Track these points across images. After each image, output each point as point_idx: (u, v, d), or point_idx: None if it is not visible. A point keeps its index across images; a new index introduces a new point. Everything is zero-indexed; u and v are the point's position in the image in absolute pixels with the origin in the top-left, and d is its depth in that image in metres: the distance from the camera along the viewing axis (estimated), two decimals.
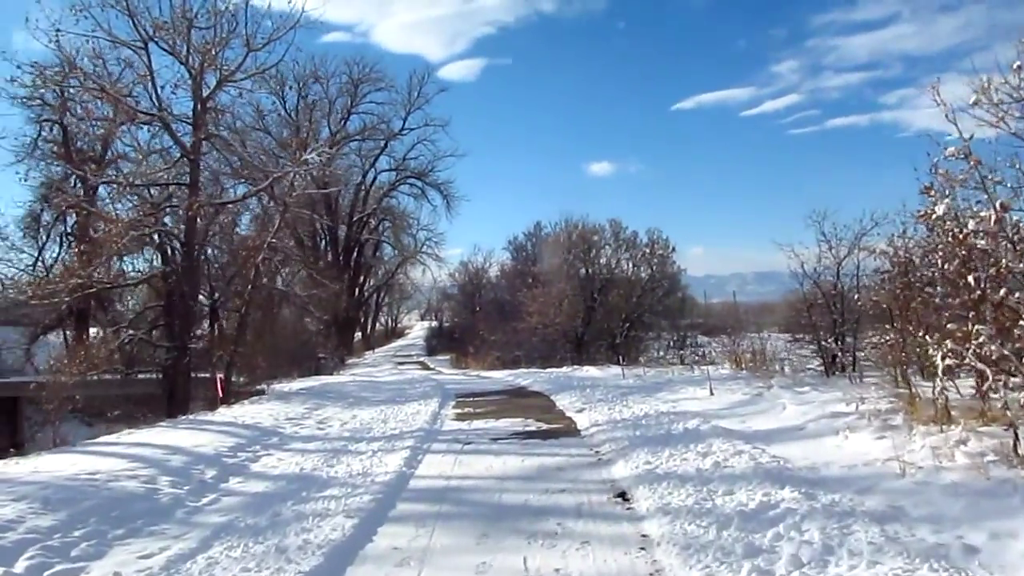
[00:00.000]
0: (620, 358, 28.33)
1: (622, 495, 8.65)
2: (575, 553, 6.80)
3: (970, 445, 8.12)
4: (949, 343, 9.22)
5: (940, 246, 10.52)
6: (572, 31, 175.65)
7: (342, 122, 59.12)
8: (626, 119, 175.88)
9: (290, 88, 55.49)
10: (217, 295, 27.49)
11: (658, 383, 19.40)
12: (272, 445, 13.69)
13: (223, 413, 18.32)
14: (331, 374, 40.74)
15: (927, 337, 9.77)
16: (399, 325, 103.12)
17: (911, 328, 13.57)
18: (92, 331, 34.05)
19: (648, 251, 40.04)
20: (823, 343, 17.74)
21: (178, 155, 25.39)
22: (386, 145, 60.49)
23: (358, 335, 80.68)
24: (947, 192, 10.25)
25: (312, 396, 22.07)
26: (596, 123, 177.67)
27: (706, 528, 6.85)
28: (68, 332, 36.55)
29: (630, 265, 40.46)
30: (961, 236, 9.62)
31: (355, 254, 62.40)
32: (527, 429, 14.14)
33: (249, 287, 24.86)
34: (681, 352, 38.35)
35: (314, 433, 15.11)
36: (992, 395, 8.88)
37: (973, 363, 8.53)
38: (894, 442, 8.91)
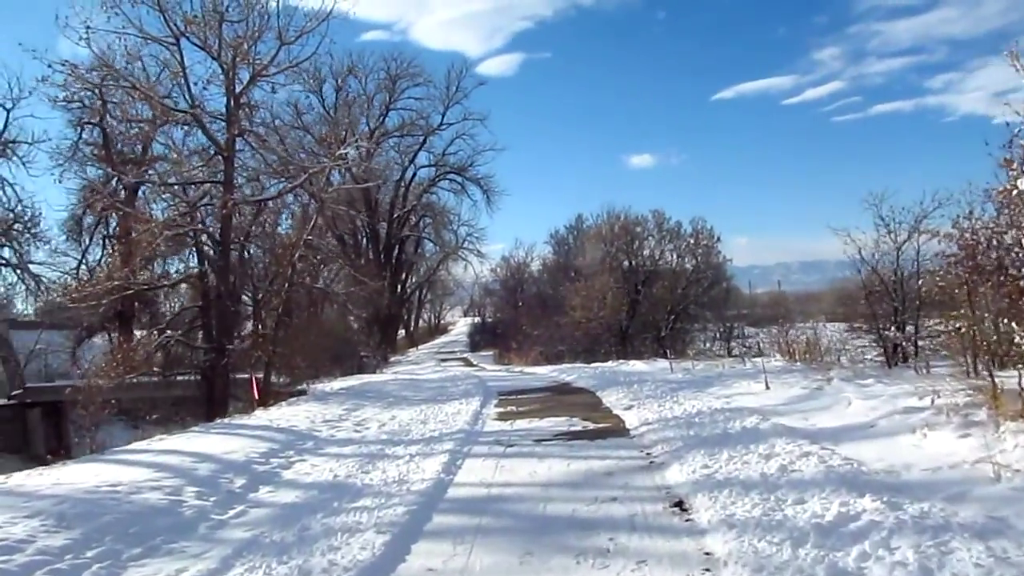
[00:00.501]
0: (667, 351, 27.43)
1: (679, 504, 7.79)
2: (630, 575, 6.00)
3: None
4: None
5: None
6: (610, 23, 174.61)
7: (380, 118, 58.68)
8: (666, 110, 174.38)
9: (328, 85, 55.18)
10: (259, 295, 27.07)
11: (708, 377, 18.49)
12: (306, 450, 13.03)
13: (259, 416, 17.71)
14: (373, 372, 40.24)
15: (1014, 324, 8.80)
16: (442, 321, 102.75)
17: (983, 314, 12.62)
18: (137, 334, 33.88)
19: (692, 241, 39.04)
20: (883, 332, 16.69)
21: (212, 153, 24.94)
22: (425, 140, 60.04)
23: (401, 332, 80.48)
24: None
25: (351, 396, 21.45)
26: (636, 115, 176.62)
27: (779, 545, 5.99)
28: (112, 335, 36.37)
29: (674, 256, 39.52)
30: None
31: (396, 251, 61.81)
32: (572, 429, 13.31)
33: (286, 286, 24.23)
34: (728, 344, 37.38)
35: (351, 436, 14.44)
36: None
37: None
38: (981, 441, 7.99)
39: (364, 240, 58.79)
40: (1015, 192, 9.16)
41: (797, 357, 19.65)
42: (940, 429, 8.78)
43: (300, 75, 25.73)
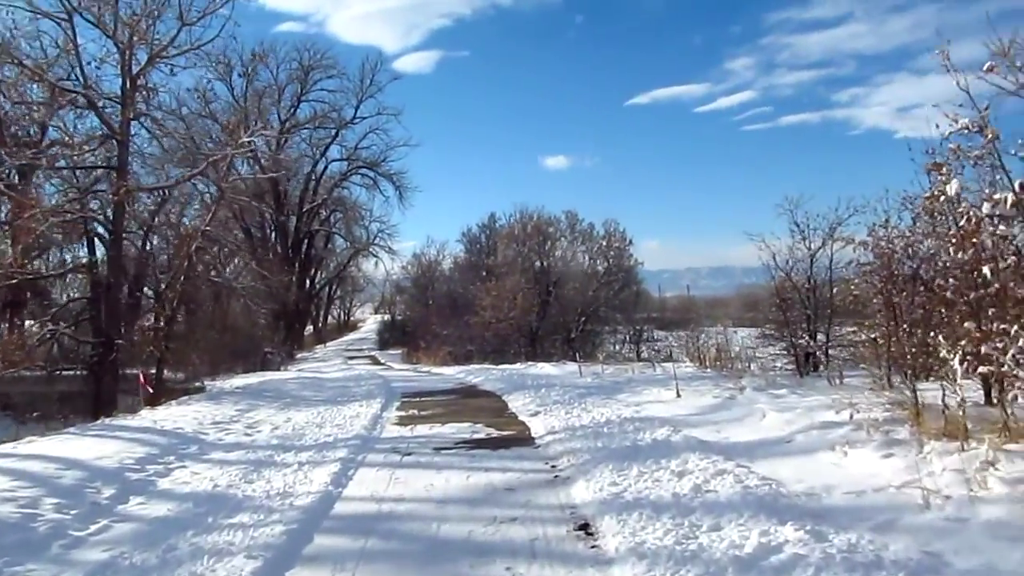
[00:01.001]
0: (576, 354, 26.88)
1: (584, 527, 7.06)
2: None
3: (1003, 468, 6.67)
4: (966, 343, 7.83)
5: (949, 232, 9.14)
6: (529, 24, 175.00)
7: (292, 110, 57.02)
8: (582, 113, 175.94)
9: (238, 74, 53.36)
10: (150, 287, 25.72)
11: (618, 383, 17.93)
12: (189, 455, 11.98)
13: (144, 416, 16.47)
14: (277, 370, 38.91)
15: (940, 336, 8.32)
16: (352, 318, 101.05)
17: (900, 326, 12.26)
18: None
19: (605, 244, 38.77)
20: (795, 340, 16.32)
21: (106, 136, 23.47)
22: (337, 134, 58.44)
23: (310, 329, 78.73)
24: (958, 170, 8.82)
25: (248, 395, 20.34)
26: (552, 117, 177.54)
27: None
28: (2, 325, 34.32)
29: (586, 258, 39.20)
30: (973, 222, 8.22)
31: (305, 246, 60.15)
32: (475, 437, 12.52)
33: (182, 278, 22.92)
34: (638, 347, 37.17)
35: (240, 440, 13.39)
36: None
37: (1011, 368, 7.09)
38: (906, 462, 7.45)
39: (272, 233, 57.07)
40: (943, 198, 8.67)
41: (708, 363, 19.25)
42: (861, 447, 8.26)
43: (204, 58, 24.30)
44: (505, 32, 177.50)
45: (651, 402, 13.98)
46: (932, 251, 11.14)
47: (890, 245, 13.06)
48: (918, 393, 9.35)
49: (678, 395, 14.07)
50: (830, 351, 16.48)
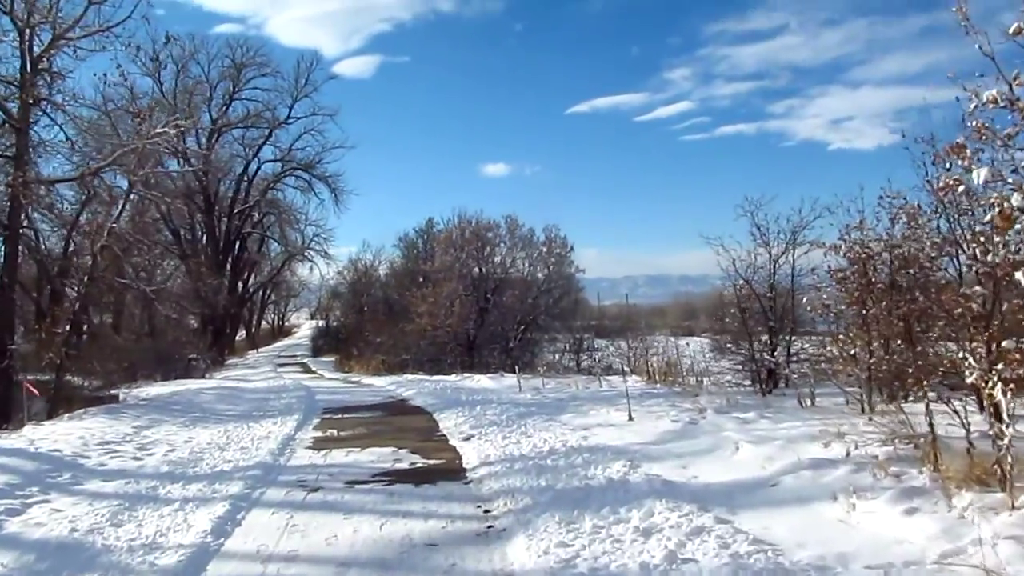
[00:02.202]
0: (515, 365, 25.02)
1: None
2: None
3: None
4: (1005, 367, 6.16)
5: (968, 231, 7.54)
6: (470, 31, 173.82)
7: (224, 108, 53.96)
8: (522, 121, 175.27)
9: (166, 70, 50.67)
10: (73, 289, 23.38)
11: (561, 400, 16.13)
12: (57, 485, 9.92)
13: (24, 434, 14.25)
14: (202, 377, 36.47)
15: (968, 353, 6.62)
16: (287, 324, 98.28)
17: (881, 338, 10.69)
18: None
19: (545, 250, 36.92)
20: (757, 354, 14.61)
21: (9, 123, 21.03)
22: (270, 134, 55.47)
23: (243, 334, 75.88)
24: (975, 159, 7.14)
25: (154, 408, 18.16)
26: (492, 124, 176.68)
27: None
28: None
29: (526, 264, 37.30)
30: (1004, 216, 6.54)
31: (237, 249, 57.43)
32: (397, 467, 10.57)
33: (85, 279, 20.59)
34: (578, 357, 35.43)
35: (124, 466, 11.31)
36: None
37: None
38: (937, 521, 5.75)
39: (203, 236, 54.35)
40: (960, 188, 7.01)
41: (657, 378, 17.57)
42: (871, 497, 6.52)
43: (114, 42, 21.81)
44: (446, 38, 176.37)
45: (600, 425, 12.16)
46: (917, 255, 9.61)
47: (866, 249, 11.58)
48: (910, 417, 7.71)
49: (630, 418, 12.27)
50: (790, 365, 14.84)
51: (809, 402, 11.99)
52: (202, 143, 52.61)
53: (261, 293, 75.48)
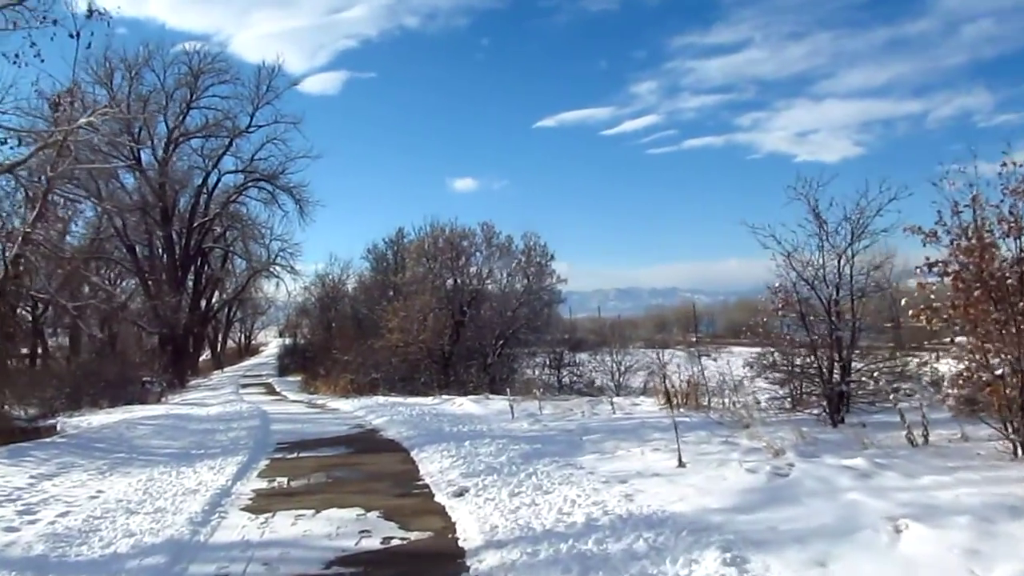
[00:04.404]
0: (504, 387, 21.61)
1: None
2: None
3: None
4: None
5: None
6: (436, 47, 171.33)
7: (181, 117, 49.49)
8: (489, 136, 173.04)
9: (121, 77, 46.76)
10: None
11: (569, 431, 12.73)
12: None
13: None
14: (158, 401, 32.74)
15: None
16: (254, 342, 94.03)
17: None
18: None
19: (524, 259, 33.44)
20: (826, 376, 11.18)
21: None
22: (231, 143, 51.02)
23: (208, 354, 71.75)
24: None
25: (73, 447, 14.54)
26: (460, 139, 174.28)
27: None
28: None
29: (504, 275, 33.81)
30: None
31: (198, 264, 53.30)
32: (363, 547, 7.08)
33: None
34: (559, 372, 32.09)
35: None
36: None
37: None
38: None
39: (161, 251, 50.27)
40: None
41: (679, 400, 14.20)
42: None
43: (30, 20, 18.22)
44: (412, 54, 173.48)
45: (641, 475, 8.70)
46: None
47: (979, 239, 8.46)
48: None
49: (681, 463, 8.83)
50: (850, 384, 11.52)
51: (922, 438, 8.67)
52: (159, 154, 48.80)
53: (226, 311, 71.45)
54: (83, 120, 17.63)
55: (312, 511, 8.56)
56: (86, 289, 38.31)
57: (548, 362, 33.36)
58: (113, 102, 41.02)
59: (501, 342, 32.16)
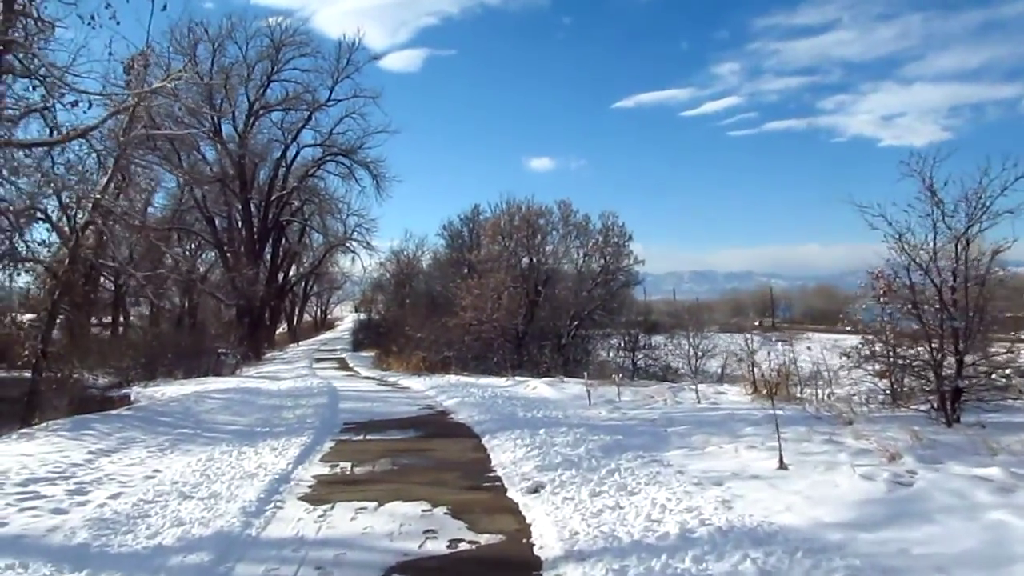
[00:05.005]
0: (578, 369, 20.73)
1: None
2: None
3: None
4: None
5: None
6: (517, 24, 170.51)
7: (262, 90, 49.21)
8: (567, 115, 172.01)
9: (203, 48, 46.70)
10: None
11: (652, 421, 11.85)
12: None
13: None
14: (232, 373, 32.68)
15: None
16: (329, 317, 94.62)
17: None
18: None
19: (602, 239, 32.35)
20: (939, 369, 10.06)
21: None
22: (310, 116, 50.54)
23: (284, 327, 72.21)
24: None
25: (137, 420, 14.19)
26: (538, 118, 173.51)
27: None
28: None
29: (581, 254, 32.78)
30: None
31: (275, 238, 53.25)
32: (428, 551, 6.35)
33: (67, 262, 16.59)
34: (634, 355, 31.02)
35: (30, 526, 7.36)
36: None
37: None
38: None
39: (240, 224, 50.28)
40: None
41: (768, 391, 13.16)
42: None
43: None
44: (492, 32, 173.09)
45: (737, 476, 7.77)
46: None
47: None
48: None
49: (782, 465, 7.89)
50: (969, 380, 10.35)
51: None
52: (239, 126, 48.79)
53: (303, 285, 71.65)
54: (156, 84, 17.17)
55: (375, 504, 7.84)
56: (168, 260, 38.58)
57: (623, 344, 32.32)
58: (189, 66, 41.19)
59: (575, 323, 31.24)
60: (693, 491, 7.26)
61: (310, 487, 8.87)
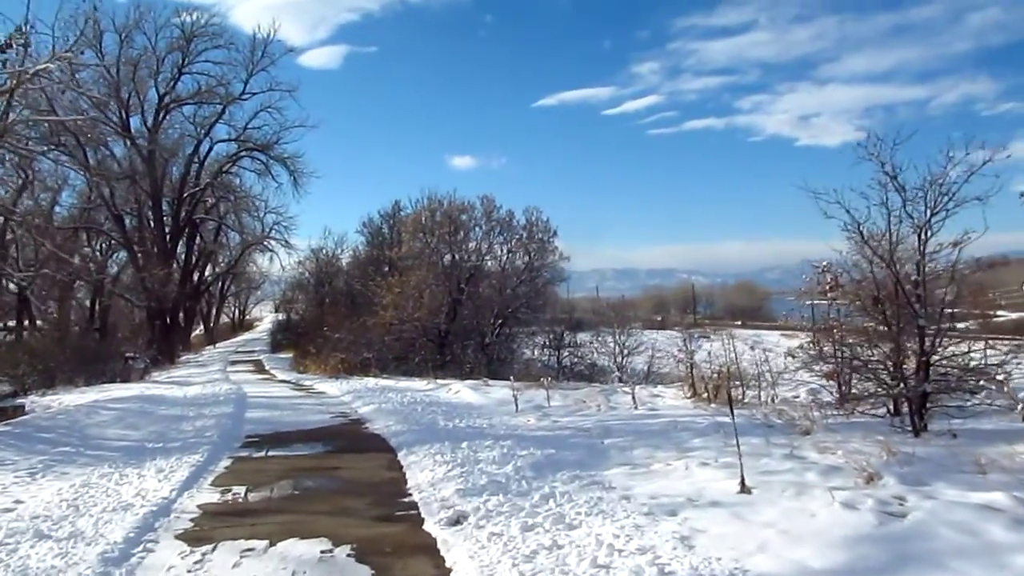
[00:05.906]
0: (502, 369, 19.49)
1: None
2: None
3: None
4: None
5: None
6: (439, 22, 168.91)
7: (172, 83, 46.59)
8: (490, 114, 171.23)
9: (110, 38, 44.00)
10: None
11: (586, 430, 10.64)
12: None
13: None
14: (140, 379, 30.73)
15: None
16: (248, 317, 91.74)
17: None
18: None
19: (526, 235, 31.23)
20: (895, 366, 9.01)
21: None
22: (224, 110, 48.17)
23: (200, 329, 69.55)
24: None
25: (10, 438, 12.50)
26: (460, 116, 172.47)
27: None
28: None
29: (504, 251, 31.60)
30: None
31: (186, 237, 50.60)
32: None
33: None
34: (559, 353, 29.94)
35: None
36: None
37: None
38: None
39: (151, 222, 47.65)
40: None
41: (708, 394, 12.10)
42: None
43: None
44: (414, 29, 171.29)
45: (693, 503, 6.57)
46: None
47: None
48: None
49: (744, 487, 6.71)
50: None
51: None
52: (149, 121, 46.28)
53: (220, 285, 69.01)
54: (40, 65, 15.44)
55: (265, 543, 6.47)
56: (77, 260, 36.38)
57: (547, 343, 31.22)
58: (77, 49, 38.79)
59: (500, 321, 30.05)
60: (644, 524, 6.05)
61: (192, 520, 7.44)
